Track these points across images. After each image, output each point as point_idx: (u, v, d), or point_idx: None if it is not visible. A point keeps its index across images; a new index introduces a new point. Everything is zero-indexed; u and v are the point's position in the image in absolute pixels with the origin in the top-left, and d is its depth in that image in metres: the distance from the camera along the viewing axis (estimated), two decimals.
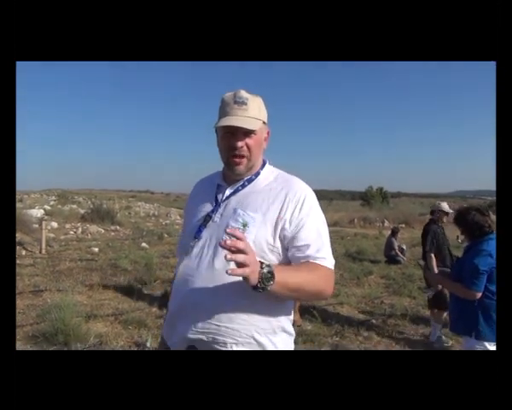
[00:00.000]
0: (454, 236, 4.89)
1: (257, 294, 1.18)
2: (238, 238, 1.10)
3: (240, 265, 1.10)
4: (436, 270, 4.61)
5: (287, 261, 1.37)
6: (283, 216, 1.34)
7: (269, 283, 1.16)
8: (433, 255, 4.80)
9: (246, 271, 1.09)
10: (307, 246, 1.33)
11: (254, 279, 1.13)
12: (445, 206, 5.11)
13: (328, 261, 1.36)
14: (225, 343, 1.29)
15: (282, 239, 1.34)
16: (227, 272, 1.08)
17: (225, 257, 1.07)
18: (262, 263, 1.16)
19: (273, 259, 1.33)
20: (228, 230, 1.14)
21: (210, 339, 1.29)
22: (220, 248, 1.29)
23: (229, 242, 1.07)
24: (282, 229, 1.33)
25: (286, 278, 1.22)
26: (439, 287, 4.29)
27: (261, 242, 1.32)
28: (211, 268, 1.31)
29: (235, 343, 1.29)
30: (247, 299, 1.27)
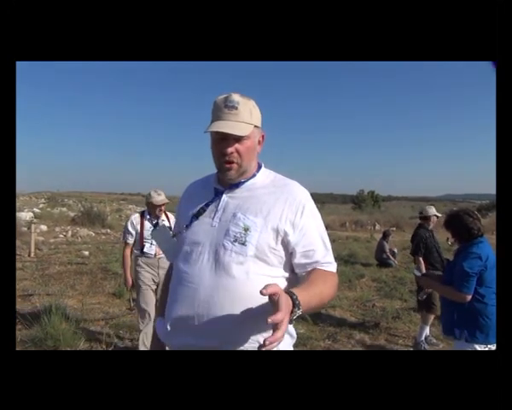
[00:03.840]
0: (444, 238, 4.97)
1: (263, 300, 1.14)
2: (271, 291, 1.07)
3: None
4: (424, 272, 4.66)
5: (289, 264, 1.36)
6: (285, 221, 1.32)
7: (294, 320, 1.16)
8: (421, 259, 4.88)
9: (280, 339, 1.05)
10: (313, 251, 1.35)
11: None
12: (431, 210, 5.16)
13: (333, 265, 1.41)
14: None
15: (286, 244, 1.33)
16: (263, 345, 1.02)
17: (264, 343, 1.02)
18: (294, 306, 1.12)
19: (275, 262, 1.33)
20: (269, 320, 1.03)
21: (217, 346, 1.26)
22: (222, 254, 1.29)
23: (264, 291, 1.04)
24: (285, 234, 1.32)
25: (309, 306, 1.21)
26: (430, 290, 4.38)
27: (263, 246, 1.30)
28: (213, 275, 1.28)
29: (243, 349, 1.27)
30: (253, 305, 1.24)
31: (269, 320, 1.01)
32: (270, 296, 1.07)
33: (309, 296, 1.21)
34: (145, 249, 4.13)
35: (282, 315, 1.04)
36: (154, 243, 4.10)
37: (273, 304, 1.07)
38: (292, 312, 1.11)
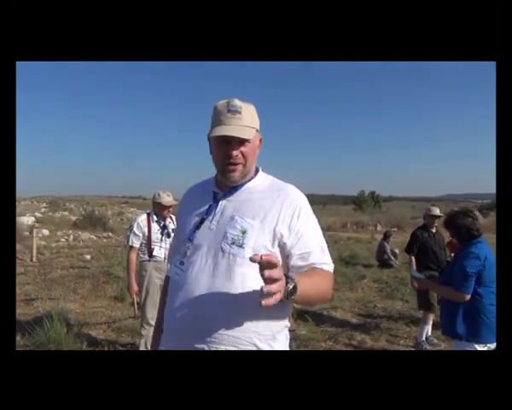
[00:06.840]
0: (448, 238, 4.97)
1: (257, 301, 1.13)
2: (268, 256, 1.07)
3: (268, 282, 1.05)
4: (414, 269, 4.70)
5: (286, 266, 1.36)
6: (282, 224, 1.34)
7: (291, 297, 1.15)
8: (412, 258, 5.01)
9: (277, 297, 1.05)
10: (309, 253, 1.36)
11: (280, 296, 1.09)
12: (435, 210, 5.18)
13: (330, 266, 1.41)
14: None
15: (283, 247, 1.35)
16: (261, 304, 1.03)
17: (261, 291, 1.03)
18: (287, 278, 1.13)
19: None
20: (264, 257, 1.05)
21: (213, 348, 1.27)
22: (220, 257, 1.31)
23: (264, 257, 1.04)
24: (282, 237, 1.33)
25: (305, 289, 1.21)
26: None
27: (260, 248, 1.31)
28: (211, 278, 1.30)
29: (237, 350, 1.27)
30: (248, 306, 1.25)
31: (266, 274, 1.02)
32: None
33: (304, 283, 1.21)
34: (154, 253, 3.94)
35: (280, 273, 1.05)
36: (162, 245, 3.98)
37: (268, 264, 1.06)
38: (287, 283, 1.11)
